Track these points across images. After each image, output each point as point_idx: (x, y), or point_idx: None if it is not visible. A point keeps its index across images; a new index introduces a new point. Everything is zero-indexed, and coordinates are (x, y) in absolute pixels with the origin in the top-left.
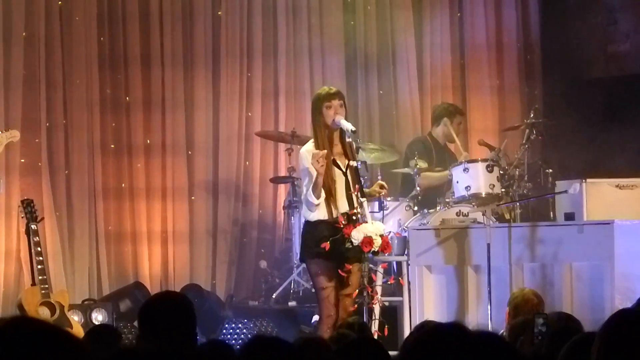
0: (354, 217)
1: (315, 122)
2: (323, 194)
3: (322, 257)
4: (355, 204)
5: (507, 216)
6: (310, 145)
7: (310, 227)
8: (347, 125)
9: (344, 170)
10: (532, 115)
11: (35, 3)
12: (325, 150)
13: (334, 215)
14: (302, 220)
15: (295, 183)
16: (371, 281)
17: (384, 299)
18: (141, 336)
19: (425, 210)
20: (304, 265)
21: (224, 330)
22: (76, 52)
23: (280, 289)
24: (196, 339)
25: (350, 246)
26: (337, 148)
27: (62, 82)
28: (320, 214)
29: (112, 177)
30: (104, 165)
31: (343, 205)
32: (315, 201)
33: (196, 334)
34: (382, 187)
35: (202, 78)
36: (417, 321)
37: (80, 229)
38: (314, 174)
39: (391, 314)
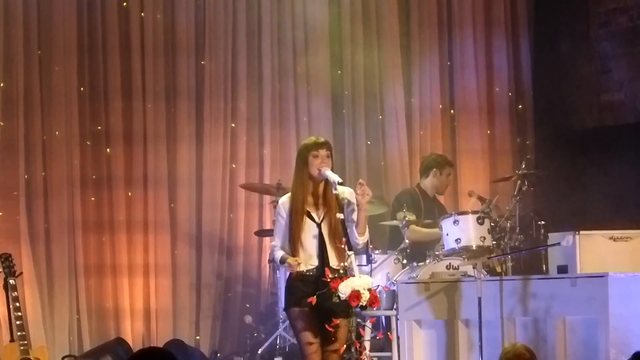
0: (341, 271)
1: (298, 172)
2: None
3: (300, 310)
4: (332, 257)
5: (498, 269)
6: (286, 198)
7: (290, 282)
8: (334, 177)
9: (319, 223)
10: (523, 165)
11: None
12: (300, 262)
13: (303, 270)
14: (287, 274)
15: None
16: (359, 336)
17: (372, 354)
18: None
19: (415, 264)
20: None
21: None
22: (56, 84)
23: (266, 344)
24: None
25: (337, 300)
26: (320, 199)
27: (40, 117)
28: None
29: (92, 231)
30: (83, 222)
31: (312, 261)
32: (278, 264)
33: None
34: (360, 184)
35: (186, 129)
36: None
37: (59, 282)
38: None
39: None
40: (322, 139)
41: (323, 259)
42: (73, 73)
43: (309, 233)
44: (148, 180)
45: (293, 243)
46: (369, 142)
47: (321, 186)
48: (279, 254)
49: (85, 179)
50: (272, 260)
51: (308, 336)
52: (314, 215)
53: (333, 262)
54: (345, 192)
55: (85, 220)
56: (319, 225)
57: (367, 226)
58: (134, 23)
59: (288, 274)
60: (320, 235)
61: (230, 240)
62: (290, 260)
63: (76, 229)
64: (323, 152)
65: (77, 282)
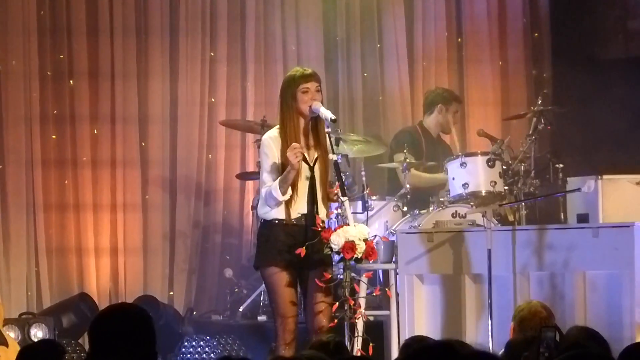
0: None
1: (286, 108)
2: (290, 191)
3: (281, 267)
4: (321, 206)
5: (510, 218)
6: (274, 132)
7: (266, 229)
8: (327, 113)
9: (312, 165)
10: (540, 101)
11: None
12: (301, 146)
13: (292, 217)
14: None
15: None
16: (353, 292)
17: (368, 313)
18: (92, 355)
19: (416, 211)
20: None
21: (183, 349)
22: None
23: (249, 301)
24: (157, 358)
25: (330, 252)
26: (310, 140)
27: None
28: (277, 212)
29: (53, 180)
30: (44, 164)
31: (302, 206)
32: (280, 197)
33: (156, 353)
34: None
35: (158, 57)
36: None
37: (16, 232)
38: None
39: (377, 331)
40: (309, 70)
41: (313, 207)
42: (32, 2)
43: (302, 176)
44: (116, 117)
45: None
46: (365, 74)
47: (311, 123)
48: (273, 184)
49: (45, 114)
50: (267, 202)
51: (284, 303)
52: (306, 155)
53: (322, 211)
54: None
55: (45, 159)
56: (311, 168)
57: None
58: None
59: (261, 221)
60: (312, 179)
61: (208, 183)
62: (294, 145)
63: (35, 180)
64: (312, 86)
65: (35, 231)
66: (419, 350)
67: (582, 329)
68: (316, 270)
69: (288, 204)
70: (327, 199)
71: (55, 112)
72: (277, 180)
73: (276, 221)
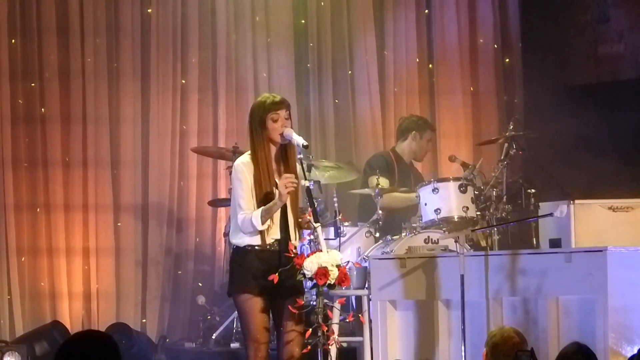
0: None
1: (255, 135)
2: (268, 221)
3: (255, 294)
4: (293, 232)
5: (483, 243)
6: (246, 158)
7: (238, 256)
8: (299, 140)
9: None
10: (511, 127)
11: None
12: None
13: (266, 243)
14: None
15: None
16: (327, 319)
17: (341, 339)
18: None
19: (389, 237)
20: None
21: None
22: None
23: (221, 328)
24: None
25: (302, 278)
26: (277, 165)
27: None
28: (250, 239)
29: (25, 195)
30: (15, 180)
31: (275, 232)
32: (260, 227)
33: None
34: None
35: (129, 85)
36: None
37: None
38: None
39: (350, 357)
40: (278, 97)
41: (286, 233)
42: (3, 37)
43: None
44: (87, 147)
45: None
46: (336, 100)
47: (281, 150)
48: (255, 213)
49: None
50: (243, 229)
51: (256, 329)
52: (278, 181)
53: (294, 237)
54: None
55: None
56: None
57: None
58: None
59: (234, 248)
60: (284, 206)
61: (180, 211)
62: (287, 175)
63: (7, 210)
64: (282, 113)
65: (8, 260)
66: None
67: (580, 346)
68: (289, 298)
69: (261, 234)
70: (299, 226)
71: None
72: (261, 210)
73: (249, 247)
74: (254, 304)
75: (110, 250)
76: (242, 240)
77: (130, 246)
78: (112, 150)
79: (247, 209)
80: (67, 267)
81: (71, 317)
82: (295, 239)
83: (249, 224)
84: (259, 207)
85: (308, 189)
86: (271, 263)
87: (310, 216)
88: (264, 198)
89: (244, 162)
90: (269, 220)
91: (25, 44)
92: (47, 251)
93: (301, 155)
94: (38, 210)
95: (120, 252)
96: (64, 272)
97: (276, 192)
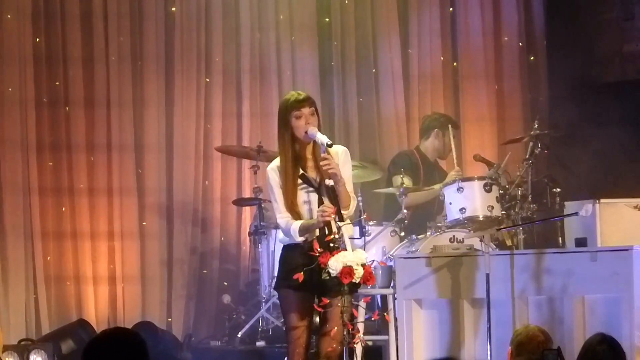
0: (331, 244)
1: (282, 136)
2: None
3: (295, 289)
4: (333, 229)
5: (508, 242)
6: (277, 162)
7: (284, 252)
8: (323, 139)
9: (317, 186)
10: (536, 125)
11: None
12: (334, 208)
13: (310, 240)
14: (271, 248)
15: (263, 205)
16: (352, 318)
17: (366, 337)
18: None
19: (414, 236)
20: (274, 299)
21: None
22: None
23: (247, 326)
24: None
25: (328, 277)
26: (310, 162)
27: None
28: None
29: (51, 207)
30: (41, 191)
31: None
32: (298, 239)
33: None
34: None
35: (153, 84)
36: None
37: (14, 259)
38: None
39: (375, 356)
40: (303, 95)
41: (323, 228)
42: (27, 22)
43: (307, 200)
44: (112, 144)
45: (294, 214)
46: (360, 99)
47: (309, 148)
48: (294, 225)
49: (41, 141)
50: (285, 234)
51: (293, 319)
52: (311, 179)
53: (333, 228)
54: (339, 151)
55: (42, 187)
56: (317, 190)
57: (351, 197)
58: None
59: (282, 246)
60: (320, 202)
61: (205, 210)
62: (325, 207)
63: (33, 207)
64: (306, 110)
65: (34, 259)
66: None
67: (604, 336)
68: (329, 295)
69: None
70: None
71: (51, 139)
72: (300, 224)
73: (292, 244)
74: (291, 300)
75: (135, 250)
76: (286, 239)
77: (155, 246)
78: (136, 149)
79: (284, 212)
80: (93, 267)
81: (97, 315)
82: (334, 232)
83: (288, 232)
84: (287, 207)
85: (332, 188)
86: (312, 259)
87: (334, 215)
88: (292, 196)
89: (272, 168)
90: (307, 234)
91: (49, 30)
92: (71, 237)
93: (326, 154)
94: (63, 213)
95: (145, 251)
96: (89, 271)
97: (303, 186)
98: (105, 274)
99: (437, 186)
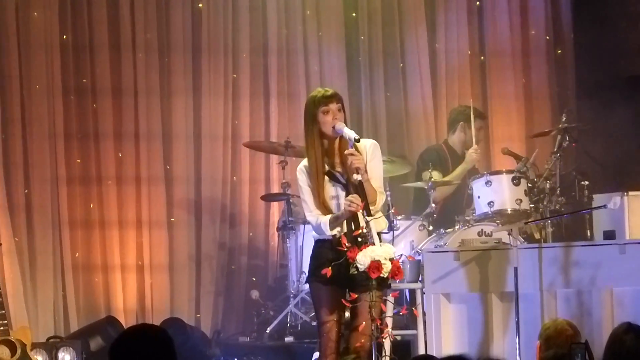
0: (359, 239)
1: (309, 131)
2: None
3: (324, 283)
4: (361, 223)
5: (537, 236)
6: (304, 164)
7: (314, 246)
8: (350, 134)
9: (344, 182)
10: (564, 119)
11: None
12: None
13: (339, 235)
14: (299, 244)
15: (291, 200)
16: (380, 312)
17: (395, 332)
18: None
19: (442, 230)
20: (302, 295)
21: None
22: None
23: (275, 322)
24: None
25: (356, 272)
26: (337, 158)
27: (19, 93)
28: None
29: (79, 201)
30: (69, 189)
31: (345, 224)
32: (329, 233)
33: None
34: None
35: (180, 75)
36: None
37: (43, 257)
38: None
39: (404, 350)
40: (330, 91)
41: (351, 223)
42: (54, 20)
43: (335, 195)
44: (140, 134)
45: (323, 209)
46: (388, 94)
47: (336, 143)
48: (324, 219)
49: (69, 137)
50: (316, 230)
51: (323, 313)
52: (338, 175)
53: (361, 223)
54: (367, 145)
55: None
56: (345, 186)
57: (377, 192)
58: None
59: (314, 242)
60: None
61: (233, 206)
62: (351, 197)
63: (61, 201)
64: (333, 106)
65: (62, 254)
66: None
67: (630, 325)
68: (359, 289)
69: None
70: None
71: (78, 129)
72: (329, 217)
73: (323, 239)
74: (322, 293)
75: (164, 245)
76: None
77: (183, 241)
78: (164, 145)
79: (314, 209)
80: (121, 258)
81: (125, 312)
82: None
83: (319, 228)
84: (316, 203)
85: (360, 183)
86: (341, 254)
87: (362, 209)
88: (320, 192)
89: (300, 168)
90: (338, 227)
91: (75, 20)
92: (99, 227)
93: (351, 149)
94: (91, 214)
95: (173, 247)
96: (117, 262)
97: (331, 182)
98: (133, 270)
99: (459, 168)
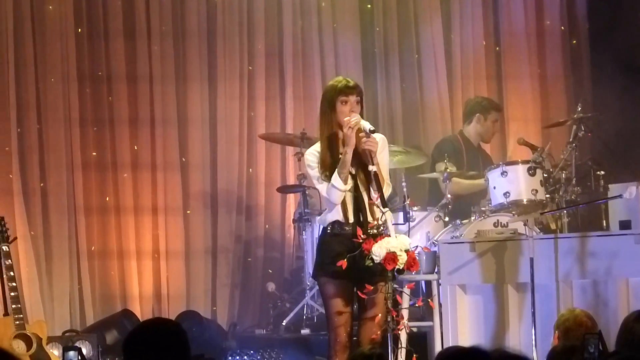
0: (374, 230)
1: (325, 118)
2: (350, 182)
3: (333, 277)
4: (376, 214)
5: (552, 226)
6: (316, 147)
7: (320, 239)
8: (365, 125)
9: (354, 173)
10: (579, 109)
11: None
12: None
13: (350, 221)
14: (315, 236)
15: (307, 192)
16: (396, 304)
17: (411, 324)
18: None
19: (458, 221)
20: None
21: None
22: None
23: (292, 314)
24: None
25: (371, 264)
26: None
27: (34, 81)
28: (336, 214)
29: (94, 191)
30: (85, 178)
31: (351, 216)
32: (342, 186)
33: None
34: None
35: (196, 62)
36: None
37: (58, 250)
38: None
39: (420, 342)
40: (352, 82)
41: (359, 215)
42: (69, 12)
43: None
44: (155, 129)
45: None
46: (403, 85)
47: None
48: (334, 177)
49: (84, 124)
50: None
51: (334, 307)
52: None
53: (370, 217)
54: (378, 138)
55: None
56: (354, 177)
57: (385, 183)
58: None
59: (321, 230)
60: (356, 189)
61: (249, 197)
62: (349, 119)
63: (77, 191)
64: (353, 98)
65: (78, 248)
66: (453, 354)
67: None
68: (371, 281)
69: (343, 211)
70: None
71: (93, 115)
72: (335, 171)
73: (329, 228)
74: (332, 287)
75: (180, 238)
76: (330, 216)
77: (199, 234)
78: (180, 138)
79: (325, 182)
80: (137, 255)
81: (141, 306)
82: (372, 219)
83: (332, 189)
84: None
85: (375, 174)
86: (346, 245)
87: (377, 200)
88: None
89: (310, 152)
90: (349, 181)
91: (90, 9)
92: (115, 213)
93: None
94: (107, 206)
95: (189, 240)
96: (133, 254)
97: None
98: (149, 262)
99: (480, 181)
